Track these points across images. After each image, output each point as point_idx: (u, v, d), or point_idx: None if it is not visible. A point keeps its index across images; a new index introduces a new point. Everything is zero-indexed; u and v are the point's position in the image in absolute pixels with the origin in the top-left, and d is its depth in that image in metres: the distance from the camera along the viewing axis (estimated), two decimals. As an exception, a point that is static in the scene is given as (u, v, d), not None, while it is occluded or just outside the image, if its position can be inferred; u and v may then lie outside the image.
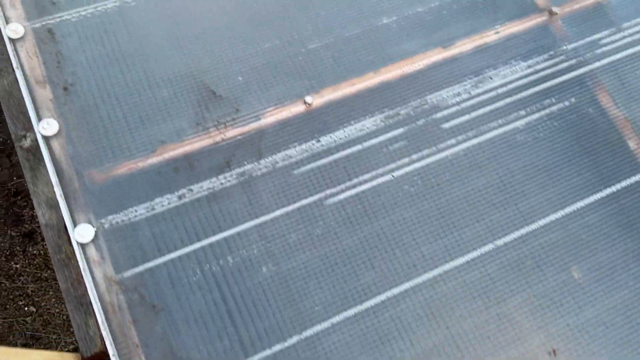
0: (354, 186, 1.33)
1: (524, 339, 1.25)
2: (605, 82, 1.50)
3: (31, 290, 3.06)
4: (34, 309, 3.02)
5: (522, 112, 1.44)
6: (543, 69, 1.49)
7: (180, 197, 1.26)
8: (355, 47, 1.46)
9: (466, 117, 1.42)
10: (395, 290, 1.25)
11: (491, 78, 1.46)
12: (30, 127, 1.31)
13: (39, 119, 1.27)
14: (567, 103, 1.47)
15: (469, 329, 1.24)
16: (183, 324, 1.16)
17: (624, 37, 1.56)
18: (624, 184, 1.40)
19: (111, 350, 1.11)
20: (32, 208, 3.15)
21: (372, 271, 1.26)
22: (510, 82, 1.47)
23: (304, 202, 1.30)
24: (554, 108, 1.46)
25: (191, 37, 1.42)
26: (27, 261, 3.07)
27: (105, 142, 1.28)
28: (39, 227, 3.14)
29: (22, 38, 1.35)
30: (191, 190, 1.27)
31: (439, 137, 1.39)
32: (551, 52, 1.52)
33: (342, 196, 1.31)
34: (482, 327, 1.25)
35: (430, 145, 1.38)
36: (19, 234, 3.11)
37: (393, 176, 1.34)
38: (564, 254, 1.33)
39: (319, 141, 1.35)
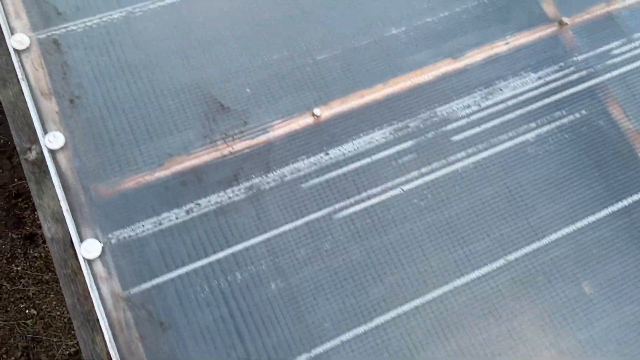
0: (362, 200, 1.31)
1: (535, 356, 1.23)
2: (616, 93, 1.49)
3: (32, 293, 3.05)
4: (35, 312, 3.01)
5: (533, 125, 1.43)
6: (553, 81, 1.48)
7: (188, 212, 1.24)
8: (364, 58, 1.45)
9: (476, 130, 1.40)
10: (406, 307, 1.23)
11: (501, 89, 1.45)
12: (35, 140, 1.30)
13: (45, 131, 1.26)
14: (577, 115, 1.45)
15: (480, 346, 1.23)
16: (191, 341, 1.15)
17: (635, 47, 1.55)
18: (635, 197, 1.39)
19: (118, 368, 1.10)
20: (33, 210, 3.14)
21: (381, 287, 1.24)
22: (521, 93, 1.45)
23: (313, 216, 1.28)
24: (565, 120, 1.44)
25: (198, 48, 1.40)
26: (28, 264, 3.06)
27: (112, 155, 1.27)
28: (40, 229, 3.13)
29: (27, 49, 1.33)
30: (199, 204, 1.25)
31: (448, 149, 1.38)
32: (561, 64, 1.50)
33: (351, 210, 1.30)
34: (493, 344, 1.23)
35: (440, 158, 1.37)
36: (20, 236, 3.10)
37: (402, 190, 1.33)
38: (575, 269, 1.32)
39: (327, 154, 1.34)
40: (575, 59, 1.51)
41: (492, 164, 1.38)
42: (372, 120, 1.38)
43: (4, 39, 1.35)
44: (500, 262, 1.30)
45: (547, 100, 1.45)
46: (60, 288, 3.05)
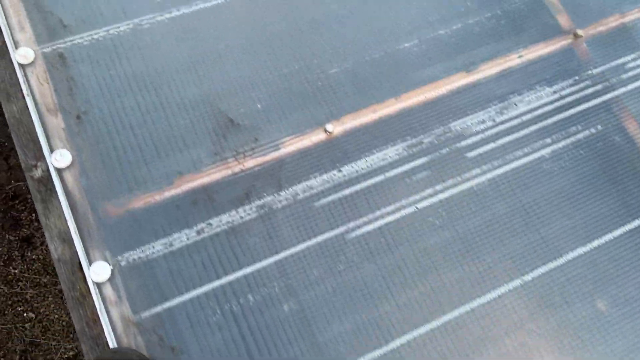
0: (376, 219, 1.28)
1: (552, 380, 1.22)
2: (632, 108, 1.47)
3: (30, 296, 3.02)
4: (33, 315, 2.99)
5: (548, 140, 1.40)
6: (568, 95, 1.45)
7: (199, 232, 1.21)
8: (376, 72, 1.42)
9: (491, 146, 1.38)
10: (422, 329, 1.21)
11: (516, 104, 1.42)
12: (41, 157, 1.27)
13: (51, 149, 1.23)
14: (593, 130, 1.43)
15: (497, 369, 1.21)
16: (203, 366, 1.12)
17: (650, 61, 1.53)
18: (652, 215, 1.37)
19: (130, 397, 1.07)
20: (31, 212, 3.11)
21: (396, 309, 1.22)
22: (536, 108, 1.43)
23: (326, 236, 1.25)
24: (580, 136, 1.42)
25: (207, 62, 1.37)
26: (25, 266, 3.03)
27: (120, 173, 1.23)
28: (37, 231, 3.10)
29: (32, 63, 1.30)
30: (210, 224, 1.22)
31: (463, 166, 1.35)
32: (576, 77, 1.48)
33: (364, 229, 1.27)
34: (510, 368, 1.21)
35: (455, 175, 1.34)
36: (17, 238, 3.07)
37: (417, 208, 1.30)
38: (592, 289, 1.30)
39: (340, 171, 1.31)
40: (590, 72, 1.49)
41: (507, 181, 1.35)
42: (385, 136, 1.36)
43: (7, 51, 1.32)
44: (517, 282, 1.28)
45: (562, 115, 1.43)
46: (58, 291, 3.03)
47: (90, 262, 1.15)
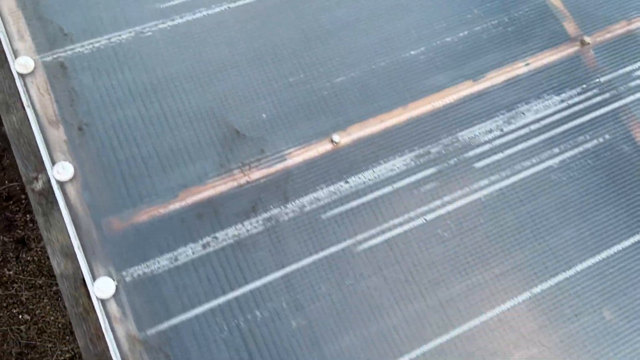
0: (383, 232, 1.27)
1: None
2: (640, 116, 1.46)
3: (25, 298, 3.00)
4: (29, 317, 2.96)
5: (556, 150, 1.39)
6: (576, 104, 1.44)
7: (204, 246, 1.19)
8: (382, 80, 1.40)
9: (499, 156, 1.36)
10: (431, 344, 1.20)
11: (523, 113, 1.40)
12: (42, 169, 1.24)
13: (53, 162, 1.20)
14: (601, 140, 1.42)
15: (507, 384, 1.20)
16: (210, 384, 1.10)
17: (658, 68, 1.51)
18: (660, 225, 1.36)
19: (137, 418, 1.05)
20: (26, 213, 3.08)
21: (405, 325, 1.20)
22: (543, 117, 1.41)
23: (333, 249, 1.24)
24: (588, 145, 1.41)
25: (211, 70, 1.34)
26: (20, 268, 3.00)
27: (124, 187, 1.21)
28: (32, 232, 3.07)
29: (32, 73, 1.27)
30: (216, 238, 1.20)
31: (471, 177, 1.33)
32: (584, 86, 1.46)
33: (372, 242, 1.25)
34: (520, 382, 1.20)
35: (463, 186, 1.32)
36: (11, 239, 3.04)
37: (425, 220, 1.29)
38: (601, 301, 1.29)
39: (347, 182, 1.29)
40: (597, 80, 1.48)
41: (516, 192, 1.34)
42: (392, 146, 1.34)
43: (7, 60, 1.29)
44: (526, 294, 1.26)
45: (570, 125, 1.42)
46: (54, 293, 3.00)
47: (94, 278, 1.13)
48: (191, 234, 1.20)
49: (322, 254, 1.23)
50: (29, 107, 1.23)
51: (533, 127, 1.40)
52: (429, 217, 1.29)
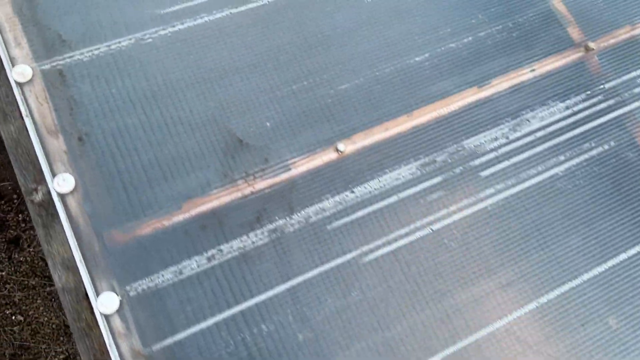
0: (389, 242, 1.25)
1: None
2: (644, 123, 1.45)
3: (18, 299, 2.97)
4: (22, 318, 2.94)
5: (562, 158, 1.38)
6: (581, 110, 1.43)
7: (209, 259, 1.17)
8: (387, 87, 1.38)
9: (505, 164, 1.35)
10: (438, 356, 1.19)
11: (529, 121, 1.39)
12: (41, 179, 1.21)
13: (54, 174, 1.17)
14: (606, 147, 1.41)
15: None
16: (216, 400, 1.09)
17: (662, 74, 1.51)
18: (665, 233, 1.36)
19: None
20: (18, 212, 3.04)
21: (412, 337, 1.19)
22: (549, 124, 1.40)
23: (339, 260, 1.22)
24: (594, 152, 1.40)
25: (212, 78, 1.32)
26: (13, 268, 2.97)
27: (126, 198, 1.19)
28: (24, 232, 3.04)
29: (30, 81, 1.24)
30: (221, 250, 1.18)
31: (477, 186, 1.32)
32: (588, 92, 1.45)
33: (378, 253, 1.24)
34: (528, 394, 1.20)
35: (469, 195, 1.31)
36: (3, 239, 3.01)
37: (432, 229, 1.27)
38: (607, 310, 1.28)
39: (353, 192, 1.27)
40: (602, 86, 1.47)
41: (521, 201, 1.33)
42: (397, 155, 1.32)
43: (3, 68, 1.26)
44: (533, 305, 1.26)
45: (575, 132, 1.41)
46: (47, 294, 2.97)
47: (97, 293, 1.11)
48: (195, 247, 1.18)
49: (328, 266, 1.21)
50: (27, 116, 1.20)
51: (538, 134, 1.39)
52: (435, 226, 1.28)
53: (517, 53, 1.47)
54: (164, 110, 1.27)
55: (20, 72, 1.23)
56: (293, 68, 1.36)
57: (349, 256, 1.23)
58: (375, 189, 1.28)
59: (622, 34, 1.53)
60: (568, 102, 1.43)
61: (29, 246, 3.03)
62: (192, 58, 1.33)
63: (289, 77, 1.35)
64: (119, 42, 1.30)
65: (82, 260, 1.12)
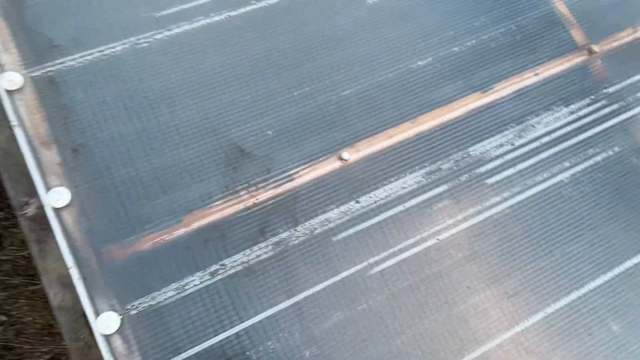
0: (395, 254, 1.23)
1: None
2: (648, 128, 1.44)
3: (1, 299, 2.89)
4: (5, 318, 2.86)
5: (567, 164, 1.36)
6: (585, 115, 1.41)
7: (212, 275, 1.13)
8: (390, 93, 1.34)
9: (510, 171, 1.33)
10: (447, 371, 1.17)
11: (534, 126, 1.37)
12: (33, 192, 1.16)
13: (48, 187, 1.12)
14: (610, 152, 1.39)
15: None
16: (222, 420, 1.06)
17: (665, 78, 1.49)
18: (669, 240, 1.35)
19: None
20: (-1, 209, 2.95)
21: (419, 351, 1.17)
22: (554, 130, 1.38)
23: (345, 273, 1.19)
24: (598, 158, 1.38)
25: (212, 85, 1.27)
26: (-6, 268, 2.88)
27: (123, 212, 1.14)
28: (6, 230, 2.95)
29: (20, 89, 1.18)
30: (224, 265, 1.14)
31: (483, 194, 1.30)
32: (592, 96, 1.43)
33: (384, 265, 1.21)
34: (537, 406, 1.18)
35: (476, 204, 1.29)
36: (-17, 238, 2.92)
37: (438, 239, 1.25)
38: (614, 318, 1.27)
39: (358, 202, 1.24)
40: (606, 90, 1.45)
41: (527, 208, 1.31)
42: (402, 162, 1.29)
43: (-9, 75, 1.19)
44: (540, 315, 1.24)
45: (580, 137, 1.39)
46: (31, 293, 2.90)
47: (97, 313, 1.06)
48: (197, 262, 1.14)
49: (333, 280, 1.18)
50: (19, 127, 1.14)
51: (544, 140, 1.37)
52: (442, 236, 1.25)
53: (520, 56, 1.44)
54: (161, 118, 1.22)
55: (9, 80, 1.17)
56: (294, 73, 1.32)
57: (354, 269, 1.20)
58: (380, 199, 1.25)
59: (625, 37, 1.52)
60: (572, 106, 1.41)
61: (10, 245, 2.95)
62: (190, 63, 1.28)
63: (289, 82, 1.31)
64: (113, 47, 1.25)
65: (80, 279, 1.08)
